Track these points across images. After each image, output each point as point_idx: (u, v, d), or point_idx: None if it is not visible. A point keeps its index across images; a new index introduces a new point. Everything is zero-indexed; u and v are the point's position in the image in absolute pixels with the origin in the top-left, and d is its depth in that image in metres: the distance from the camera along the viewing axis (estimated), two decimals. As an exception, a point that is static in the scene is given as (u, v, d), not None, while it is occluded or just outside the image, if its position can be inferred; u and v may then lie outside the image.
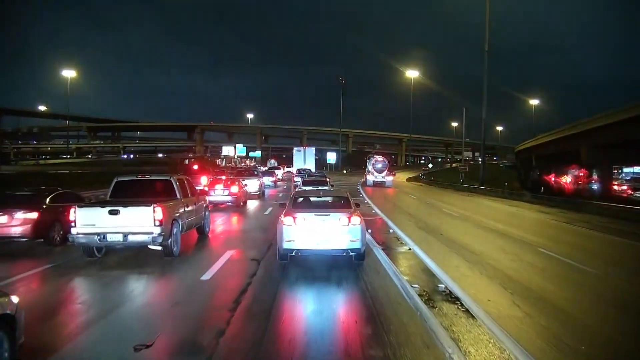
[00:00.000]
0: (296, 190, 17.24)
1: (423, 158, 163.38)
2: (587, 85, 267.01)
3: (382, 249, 10.30)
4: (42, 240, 10.12)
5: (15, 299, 4.17)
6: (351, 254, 8.26)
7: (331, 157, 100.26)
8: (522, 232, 14.86)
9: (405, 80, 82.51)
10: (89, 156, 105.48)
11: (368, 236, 10.41)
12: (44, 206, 10.42)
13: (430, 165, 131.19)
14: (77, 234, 8.57)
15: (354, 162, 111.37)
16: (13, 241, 9.85)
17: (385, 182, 40.80)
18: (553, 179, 47.64)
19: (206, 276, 7.81)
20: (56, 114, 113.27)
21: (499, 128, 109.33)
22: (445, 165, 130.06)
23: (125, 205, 8.73)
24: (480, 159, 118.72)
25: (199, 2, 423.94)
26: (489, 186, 42.62)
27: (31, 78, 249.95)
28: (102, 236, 8.51)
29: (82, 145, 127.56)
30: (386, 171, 41.84)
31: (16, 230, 9.70)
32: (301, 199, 9.56)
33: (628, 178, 67.31)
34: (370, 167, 42.23)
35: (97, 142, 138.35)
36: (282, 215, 8.44)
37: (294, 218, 8.10)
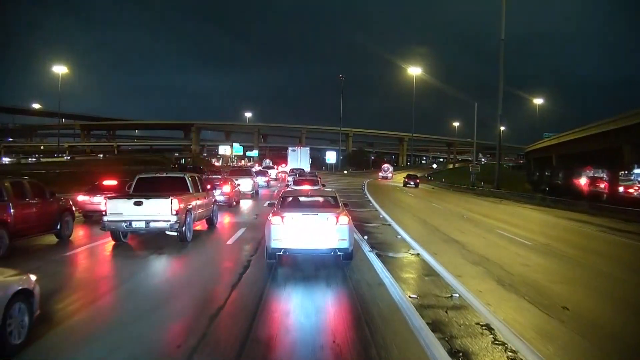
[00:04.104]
0: (285, 189, 15.47)
1: (424, 158, 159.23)
2: (589, 85, 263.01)
3: None
4: None
5: (33, 277, 4.72)
6: (339, 253, 8.19)
7: (331, 157, 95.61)
8: None
9: (407, 79, 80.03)
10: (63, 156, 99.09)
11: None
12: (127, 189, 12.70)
13: (434, 166, 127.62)
14: (108, 221, 9.82)
15: (356, 162, 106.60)
16: None
17: (388, 177, 65.89)
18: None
19: None
20: (49, 112, 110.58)
21: (502, 128, 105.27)
22: (448, 165, 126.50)
23: (147, 197, 9.97)
24: (483, 160, 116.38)
25: (196, 0, 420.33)
26: (498, 188, 40.36)
27: (28, 76, 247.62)
28: (128, 223, 9.80)
29: (75, 144, 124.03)
30: (390, 172, 69.12)
31: None
32: (290, 199, 9.48)
33: (640, 179, 66.05)
34: (381, 169, 71.59)
35: (92, 140, 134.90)
36: (271, 215, 8.31)
37: (282, 217, 8.05)
